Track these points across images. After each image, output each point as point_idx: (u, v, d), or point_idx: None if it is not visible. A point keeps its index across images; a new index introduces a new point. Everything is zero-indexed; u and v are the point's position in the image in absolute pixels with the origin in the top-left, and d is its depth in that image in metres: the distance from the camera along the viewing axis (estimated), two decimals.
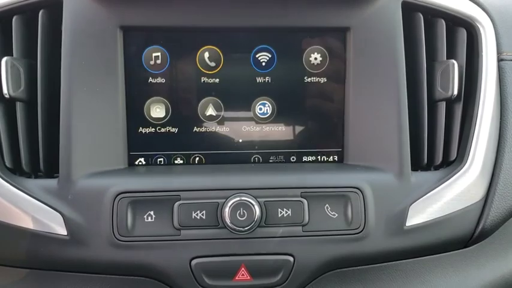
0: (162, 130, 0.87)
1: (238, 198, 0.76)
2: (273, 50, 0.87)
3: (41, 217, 0.77)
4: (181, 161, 0.88)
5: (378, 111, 0.84)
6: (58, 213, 0.77)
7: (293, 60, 0.87)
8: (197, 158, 0.88)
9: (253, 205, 0.76)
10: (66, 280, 0.81)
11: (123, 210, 0.77)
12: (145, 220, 0.78)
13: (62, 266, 0.80)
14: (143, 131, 0.87)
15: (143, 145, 0.87)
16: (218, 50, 0.86)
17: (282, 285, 0.80)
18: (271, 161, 0.89)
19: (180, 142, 0.88)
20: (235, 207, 0.76)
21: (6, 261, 0.81)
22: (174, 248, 0.77)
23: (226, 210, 0.76)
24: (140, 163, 0.87)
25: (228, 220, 0.76)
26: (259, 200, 0.77)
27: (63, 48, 0.80)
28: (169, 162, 0.88)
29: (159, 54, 0.86)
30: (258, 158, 0.89)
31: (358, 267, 0.84)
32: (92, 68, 0.81)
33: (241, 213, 0.76)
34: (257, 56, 0.87)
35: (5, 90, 0.79)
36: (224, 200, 0.77)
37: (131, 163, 0.87)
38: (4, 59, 0.80)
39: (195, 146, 0.88)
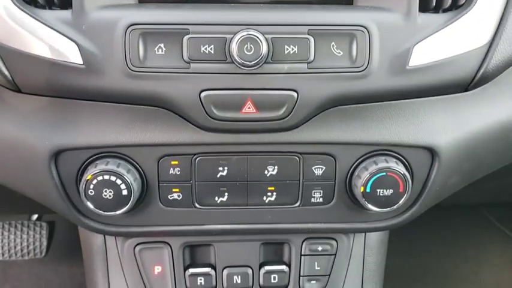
0: None
1: (245, 33, 0.78)
2: None
3: (57, 46, 0.81)
4: None
5: None
6: (73, 43, 0.80)
7: None
8: None
9: (260, 40, 0.78)
10: (85, 108, 0.87)
11: (135, 41, 0.80)
12: (156, 52, 0.81)
13: (80, 94, 0.85)
14: None
15: None
16: None
17: (285, 119, 0.85)
18: None
19: None
20: (242, 42, 0.78)
21: (29, 89, 0.86)
22: (184, 80, 0.81)
23: (234, 44, 0.78)
24: None
25: (235, 54, 0.78)
26: (266, 36, 0.79)
27: None
28: None
29: None
30: None
31: (359, 105, 0.88)
32: None
33: (249, 47, 0.78)
34: None
35: None
36: (232, 35, 0.79)
37: None
38: None
39: None
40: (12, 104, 0.88)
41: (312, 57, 0.81)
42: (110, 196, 0.86)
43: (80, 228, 1.10)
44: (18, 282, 2.24)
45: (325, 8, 0.85)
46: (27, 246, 2.08)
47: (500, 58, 0.86)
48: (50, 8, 0.84)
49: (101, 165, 0.86)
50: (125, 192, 0.86)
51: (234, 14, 0.81)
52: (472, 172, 1.00)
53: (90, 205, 0.87)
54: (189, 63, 0.81)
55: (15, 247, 2.08)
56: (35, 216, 2.19)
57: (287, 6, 0.86)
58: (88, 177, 0.86)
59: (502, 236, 2.50)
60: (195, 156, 0.90)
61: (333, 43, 0.82)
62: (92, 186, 0.86)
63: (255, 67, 0.80)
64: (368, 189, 0.88)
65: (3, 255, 2.08)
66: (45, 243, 2.09)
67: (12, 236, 2.08)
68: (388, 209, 0.90)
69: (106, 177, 0.85)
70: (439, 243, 2.47)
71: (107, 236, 1.06)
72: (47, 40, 0.81)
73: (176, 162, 0.90)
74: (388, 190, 0.89)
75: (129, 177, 0.86)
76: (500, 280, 2.38)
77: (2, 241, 2.08)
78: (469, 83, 0.88)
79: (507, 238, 2.49)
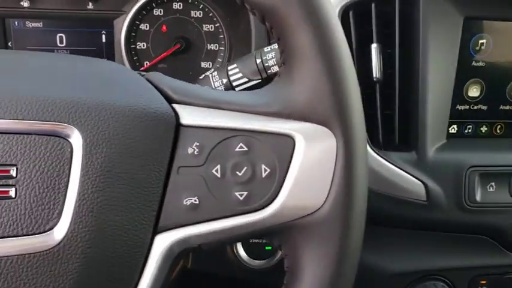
0: (475, 107, 0.99)
1: None
2: None
3: (406, 185, 0.90)
4: (486, 129, 1.00)
5: None
6: (420, 182, 0.90)
7: None
8: (499, 126, 1.01)
9: None
10: (413, 236, 0.96)
11: (473, 181, 0.91)
12: (488, 190, 0.92)
13: (417, 225, 0.95)
14: (459, 108, 0.99)
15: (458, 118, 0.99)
16: None
17: None
18: None
19: (486, 116, 1.00)
20: None
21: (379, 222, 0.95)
22: (509, 212, 0.93)
23: None
24: (453, 130, 0.99)
25: None
26: None
27: (421, 36, 0.90)
28: (476, 129, 1.00)
29: (484, 41, 0.96)
30: None
31: None
32: (436, 51, 0.91)
33: None
34: None
35: (375, 74, 0.90)
36: None
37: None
38: (374, 45, 0.89)
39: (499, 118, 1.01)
40: None
41: None
42: None
43: None
44: None
45: None
46: None
47: None
48: (389, 150, 0.94)
49: None
50: None
51: None
52: None
53: None
54: None
55: None
56: None
57: None
58: None
59: None
60: (504, 276, 1.00)
61: None
62: None
63: None
64: None
65: None
66: None
67: None
68: None
69: None
70: None
71: None
72: (396, 180, 0.90)
73: (484, 282, 1.00)
74: None
75: None
76: None
77: None
78: None
79: None
